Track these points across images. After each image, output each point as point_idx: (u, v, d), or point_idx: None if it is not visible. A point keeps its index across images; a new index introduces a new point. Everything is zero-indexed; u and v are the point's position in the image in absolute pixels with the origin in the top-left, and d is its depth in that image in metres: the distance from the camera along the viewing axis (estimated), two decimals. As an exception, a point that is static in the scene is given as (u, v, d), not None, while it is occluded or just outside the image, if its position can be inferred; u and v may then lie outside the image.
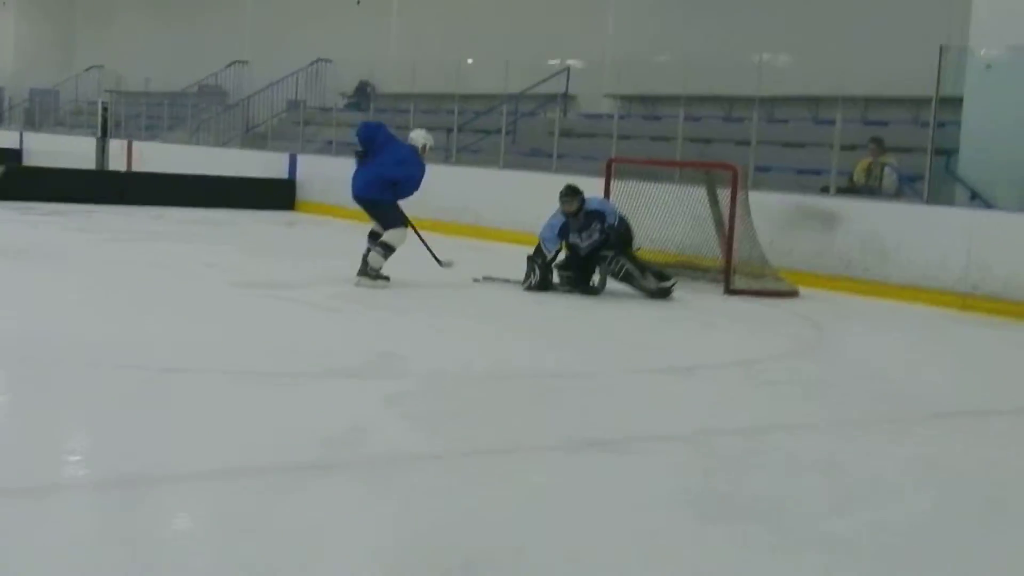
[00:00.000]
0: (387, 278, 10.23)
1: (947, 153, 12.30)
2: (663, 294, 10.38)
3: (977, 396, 7.12)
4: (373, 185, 10.21)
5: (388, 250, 10.14)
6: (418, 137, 10.57)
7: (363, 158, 10.32)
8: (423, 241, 10.83)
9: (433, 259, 10.79)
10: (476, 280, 10.70)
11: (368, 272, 10.10)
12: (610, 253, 10.42)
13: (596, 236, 10.45)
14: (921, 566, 3.96)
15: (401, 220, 10.30)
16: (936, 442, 5.82)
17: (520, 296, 10.24)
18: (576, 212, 10.38)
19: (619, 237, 10.54)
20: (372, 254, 10.13)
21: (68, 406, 5.51)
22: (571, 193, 10.40)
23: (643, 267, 10.56)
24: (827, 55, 14.77)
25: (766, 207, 11.91)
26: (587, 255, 10.53)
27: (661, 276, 10.56)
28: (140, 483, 4.32)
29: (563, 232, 10.42)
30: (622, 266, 10.42)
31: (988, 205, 11.66)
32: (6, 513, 3.99)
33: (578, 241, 10.48)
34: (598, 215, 10.49)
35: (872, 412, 6.43)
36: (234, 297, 9.48)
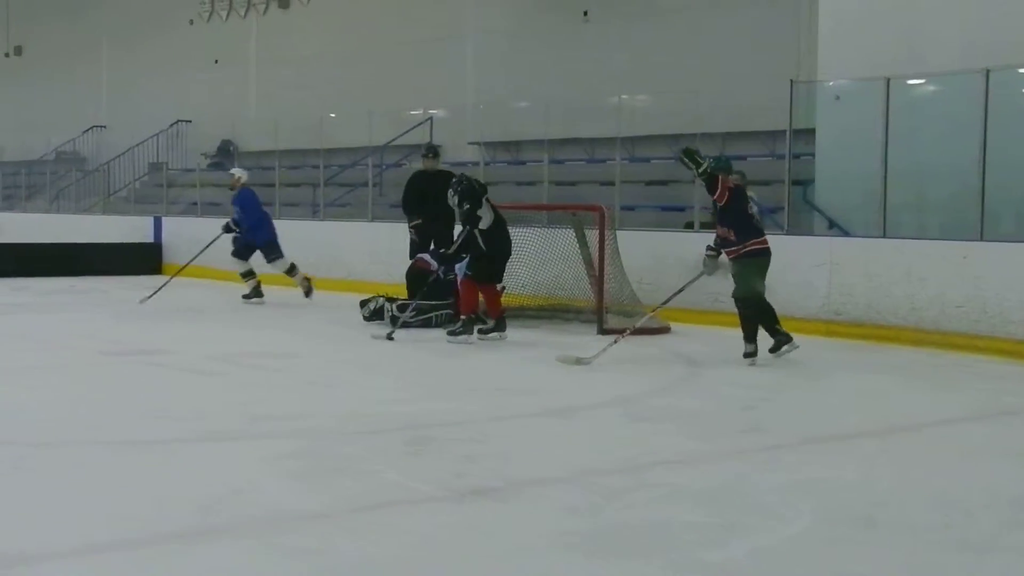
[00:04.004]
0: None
1: (803, 183, 12.67)
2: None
3: (845, 420, 7.32)
4: None
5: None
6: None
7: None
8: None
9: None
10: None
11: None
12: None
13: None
14: (802, 589, 4.07)
15: None
16: (810, 467, 5.97)
17: (393, 346, 10.25)
18: None
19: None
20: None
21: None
22: None
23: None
24: (684, 94, 15.12)
25: (634, 245, 12.10)
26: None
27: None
28: (17, 563, 4.23)
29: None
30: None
31: (845, 232, 12.02)
32: None
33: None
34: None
35: (747, 441, 6.57)
36: (105, 365, 9.32)
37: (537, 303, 12.22)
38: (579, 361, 8.98)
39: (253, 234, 13.94)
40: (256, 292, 14.03)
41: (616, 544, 4.56)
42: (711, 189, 9.38)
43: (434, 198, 11.79)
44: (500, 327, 10.68)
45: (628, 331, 9.69)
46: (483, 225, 10.61)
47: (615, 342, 9.30)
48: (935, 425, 7.25)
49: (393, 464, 5.88)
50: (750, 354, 9.34)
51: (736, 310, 9.54)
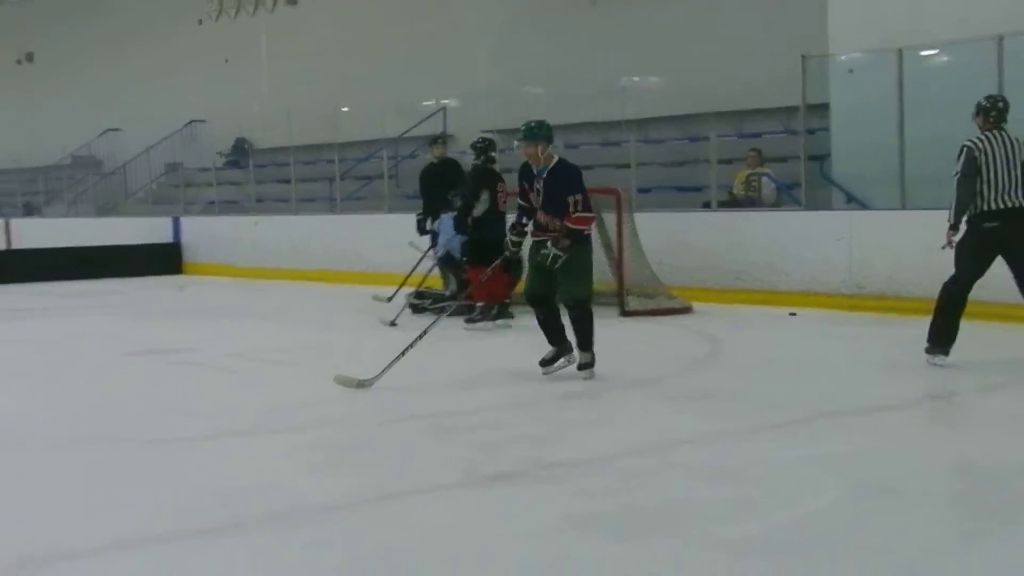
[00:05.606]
0: None
1: (820, 158, 12.59)
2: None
3: (869, 394, 7.26)
4: None
5: None
6: None
7: None
8: None
9: None
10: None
11: None
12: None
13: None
14: (823, 563, 4.03)
15: None
16: (832, 442, 5.93)
17: (403, 335, 10.25)
18: None
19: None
20: None
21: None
22: None
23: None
24: (695, 73, 15.07)
25: (651, 227, 12.07)
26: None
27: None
28: (44, 563, 4.24)
29: None
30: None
31: (863, 205, 11.95)
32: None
33: None
34: None
35: (770, 418, 6.53)
36: (129, 365, 9.34)
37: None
38: (360, 384, 7.61)
39: None
40: None
41: (637, 524, 4.54)
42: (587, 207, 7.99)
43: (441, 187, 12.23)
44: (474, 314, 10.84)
45: (406, 349, 7.98)
46: (476, 212, 11.09)
47: (402, 354, 7.90)
48: (959, 395, 7.21)
49: (413, 453, 5.87)
50: (586, 365, 7.86)
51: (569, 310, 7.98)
